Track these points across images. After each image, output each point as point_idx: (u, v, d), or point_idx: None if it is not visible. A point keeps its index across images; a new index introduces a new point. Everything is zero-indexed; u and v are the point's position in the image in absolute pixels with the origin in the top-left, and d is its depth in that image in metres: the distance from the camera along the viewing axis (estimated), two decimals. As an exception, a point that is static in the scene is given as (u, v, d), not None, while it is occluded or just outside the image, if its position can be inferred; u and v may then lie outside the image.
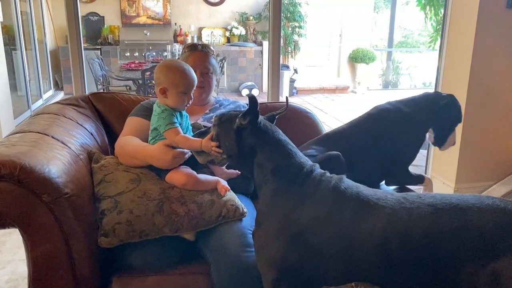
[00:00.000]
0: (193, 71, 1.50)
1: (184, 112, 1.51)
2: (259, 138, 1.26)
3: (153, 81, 4.89)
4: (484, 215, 1.05)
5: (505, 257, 1.00)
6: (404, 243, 1.07)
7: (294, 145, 1.29)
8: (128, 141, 1.57)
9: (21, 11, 5.55)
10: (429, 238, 1.06)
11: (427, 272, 1.05)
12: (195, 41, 7.87)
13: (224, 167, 1.61)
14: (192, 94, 1.49)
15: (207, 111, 1.83)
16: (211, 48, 1.83)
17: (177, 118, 1.45)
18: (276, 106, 2.12)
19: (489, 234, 1.03)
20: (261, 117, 1.29)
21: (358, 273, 1.11)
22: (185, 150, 1.44)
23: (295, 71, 8.06)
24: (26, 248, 1.23)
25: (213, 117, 1.35)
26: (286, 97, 1.43)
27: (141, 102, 1.76)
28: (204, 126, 1.56)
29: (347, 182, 1.22)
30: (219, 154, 1.31)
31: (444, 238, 1.05)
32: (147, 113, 1.68)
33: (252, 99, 1.22)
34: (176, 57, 5.10)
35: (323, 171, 1.26)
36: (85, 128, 1.72)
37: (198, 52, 1.76)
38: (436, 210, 1.09)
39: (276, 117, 1.39)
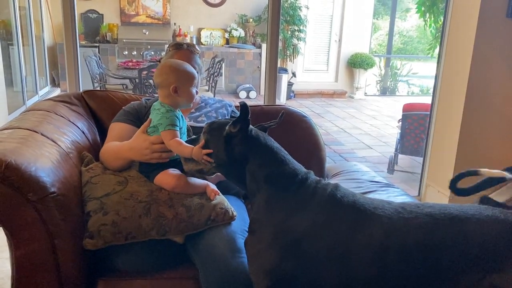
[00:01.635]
0: None
1: (182, 115, 1.49)
2: (250, 145, 1.23)
3: (150, 81, 4.85)
4: (483, 227, 1.03)
5: (505, 270, 0.98)
6: (401, 254, 1.05)
7: (286, 152, 1.27)
8: (110, 144, 1.56)
9: (19, 6, 5.52)
10: (427, 249, 1.04)
11: (424, 283, 1.04)
12: (194, 41, 7.85)
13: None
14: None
15: (193, 110, 1.81)
16: (196, 47, 1.81)
17: (179, 122, 1.44)
18: (271, 110, 2.10)
19: (488, 246, 1.01)
20: (251, 126, 1.27)
21: (354, 283, 1.09)
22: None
23: (293, 74, 8.05)
24: (10, 247, 1.20)
25: (204, 124, 1.32)
26: (283, 112, 1.39)
27: (123, 107, 1.74)
28: (191, 126, 1.54)
29: (343, 190, 1.19)
30: (209, 163, 1.28)
31: (443, 249, 1.03)
32: (129, 117, 1.67)
33: (243, 106, 1.19)
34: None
35: (318, 178, 1.23)
36: (76, 126, 1.69)
37: (184, 51, 1.74)
38: (435, 220, 1.07)
39: (268, 128, 1.36)
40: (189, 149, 1.32)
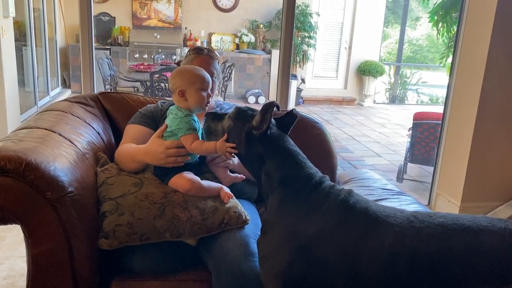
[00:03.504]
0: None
1: (198, 119, 1.49)
2: (268, 147, 1.24)
3: (161, 84, 4.89)
4: (495, 239, 1.02)
5: None
6: (411, 263, 1.04)
7: (304, 156, 1.27)
8: (126, 146, 1.57)
9: (33, 8, 5.59)
10: (438, 259, 1.03)
11: None
12: (205, 46, 7.88)
13: (228, 171, 1.60)
14: (210, 91, 1.50)
15: None
16: (216, 52, 1.83)
17: (198, 125, 1.45)
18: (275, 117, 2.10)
19: (500, 258, 1.00)
20: (273, 126, 1.27)
21: None
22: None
23: (303, 80, 8.06)
24: (27, 245, 1.21)
25: (233, 107, 1.34)
26: (293, 109, 1.40)
27: (139, 110, 1.76)
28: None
29: (356, 197, 1.19)
30: (234, 155, 1.30)
31: (453, 261, 1.02)
32: (145, 119, 1.68)
33: (266, 104, 1.19)
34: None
35: (332, 183, 1.23)
36: (92, 127, 1.71)
37: (204, 56, 1.76)
38: (447, 231, 1.06)
39: (290, 128, 1.36)
40: (212, 145, 1.34)
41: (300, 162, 1.24)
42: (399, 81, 9.61)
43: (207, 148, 1.37)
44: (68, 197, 1.22)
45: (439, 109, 3.32)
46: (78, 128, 1.60)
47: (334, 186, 1.21)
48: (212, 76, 1.75)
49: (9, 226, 1.21)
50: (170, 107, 1.50)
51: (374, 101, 8.90)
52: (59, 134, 1.44)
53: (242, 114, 1.30)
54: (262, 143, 1.24)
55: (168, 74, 4.62)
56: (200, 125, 1.49)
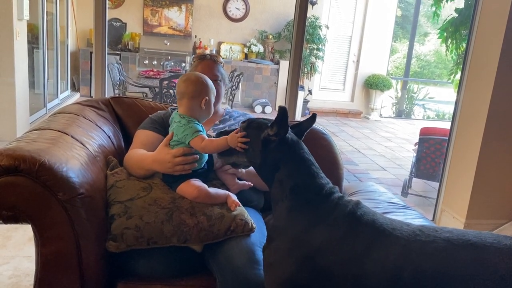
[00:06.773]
0: None
1: (202, 126, 1.51)
2: (285, 153, 1.25)
3: (170, 91, 4.91)
4: (501, 256, 1.02)
5: None
6: (416, 277, 1.04)
7: (317, 166, 1.28)
8: (135, 152, 1.59)
9: (47, 12, 5.66)
10: (443, 274, 1.03)
11: None
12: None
13: (236, 178, 1.61)
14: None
15: (217, 122, 1.84)
16: (220, 57, 1.85)
17: (201, 127, 1.47)
18: (292, 124, 2.12)
19: (505, 276, 1.00)
20: (290, 132, 1.28)
21: None
22: (188, 156, 1.45)
23: (310, 92, 8.09)
24: (36, 245, 1.23)
25: (241, 120, 1.35)
26: (314, 114, 1.41)
27: (150, 115, 1.78)
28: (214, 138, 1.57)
29: (364, 209, 1.20)
30: (243, 158, 1.30)
31: (458, 276, 1.02)
32: (155, 125, 1.71)
33: (281, 109, 1.21)
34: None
35: (341, 194, 1.24)
36: (103, 130, 1.73)
37: (207, 61, 1.79)
38: (452, 246, 1.06)
39: (305, 133, 1.37)
40: (223, 140, 1.35)
41: (314, 171, 1.25)
42: (406, 96, 9.62)
43: (218, 144, 1.38)
44: (79, 199, 1.24)
45: (446, 125, 3.33)
46: (89, 131, 1.62)
47: (342, 197, 1.22)
48: (216, 79, 1.78)
49: (15, 225, 1.23)
50: (173, 115, 1.52)
51: (381, 114, 8.91)
52: (72, 136, 1.47)
53: (255, 123, 1.31)
54: (279, 149, 1.25)
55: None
56: (205, 132, 1.51)
